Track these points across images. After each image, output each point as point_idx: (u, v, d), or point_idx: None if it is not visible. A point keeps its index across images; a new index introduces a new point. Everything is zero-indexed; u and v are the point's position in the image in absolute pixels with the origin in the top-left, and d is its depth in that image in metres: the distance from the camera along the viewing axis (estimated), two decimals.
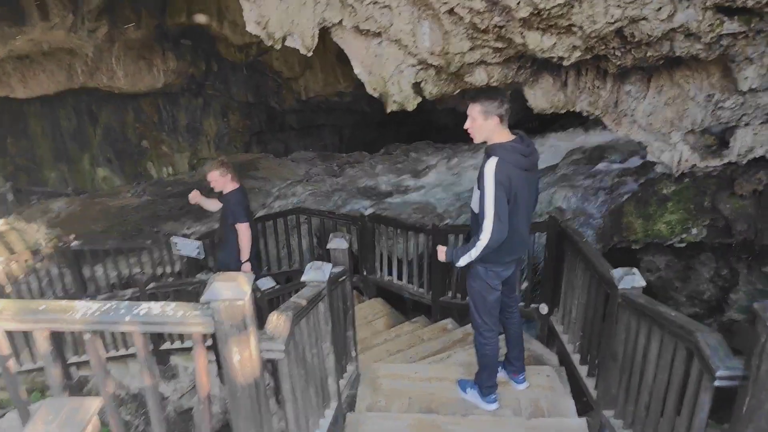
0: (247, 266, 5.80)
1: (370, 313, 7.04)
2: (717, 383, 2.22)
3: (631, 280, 3.33)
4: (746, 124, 5.68)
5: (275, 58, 15.30)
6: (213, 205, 6.33)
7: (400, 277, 6.94)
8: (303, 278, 3.41)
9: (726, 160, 6.13)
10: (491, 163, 3.41)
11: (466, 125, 3.52)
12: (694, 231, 7.02)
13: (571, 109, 5.93)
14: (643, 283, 3.33)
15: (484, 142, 3.59)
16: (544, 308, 5.17)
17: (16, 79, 13.67)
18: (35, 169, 17.09)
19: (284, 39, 5.07)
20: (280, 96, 17.47)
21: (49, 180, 17.12)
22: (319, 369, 3.43)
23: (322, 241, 8.31)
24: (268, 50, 15.19)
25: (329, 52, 14.22)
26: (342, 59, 13.37)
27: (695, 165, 6.27)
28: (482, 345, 4.00)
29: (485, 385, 4.15)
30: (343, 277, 4.11)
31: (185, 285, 6.64)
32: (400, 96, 5.46)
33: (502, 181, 3.38)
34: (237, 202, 5.76)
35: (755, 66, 4.81)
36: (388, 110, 5.61)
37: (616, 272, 3.41)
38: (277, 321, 2.55)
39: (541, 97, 5.70)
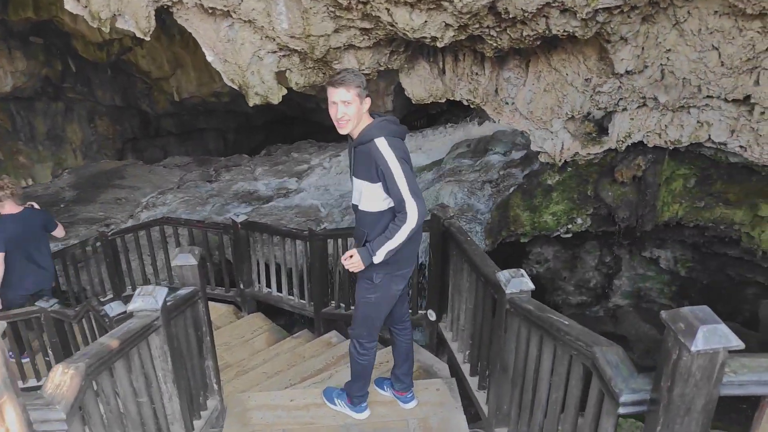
0: None
1: (248, 330, 6.37)
2: (621, 410, 1.82)
3: (518, 283, 2.93)
4: (624, 109, 5.56)
5: (141, 56, 14.14)
6: None
7: (279, 289, 6.33)
8: (128, 307, 2.74)
9: (606, 147, 6.01)
10: (381, 144, 2.93)
11: (340, 114, 2.95)
12: (579, 221, 6.91)
13: (451, 98, 5.57)
14: (532, 286, 2.94)
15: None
16: (432, 315, 4.74)
17: None
18: None
19: (114, 20, 4.31)
20: (152, 98, 16.22)
21: None
22: (155, 419, 2.77)
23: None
24: (131, 48, 14.01)
25: (200, 49, 13.27)
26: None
27: (577, 153, 6.12)
28: (360, 356, 3.54)
29: (356, 394, 3.72)
30: (194, 299, 3.45)
31: (26, 314, 5.66)
32: (263, 88, 4.84)
33: (404, 157, 2.97)
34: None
35: (630, 47, 4.63)
36: (251, 103, 4.99)
37: (503, 275, 3.00)
38: (60, 378, 1.88)
39: (418, 85, 5.29)
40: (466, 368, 4.03)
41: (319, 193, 8.88)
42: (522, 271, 3.00)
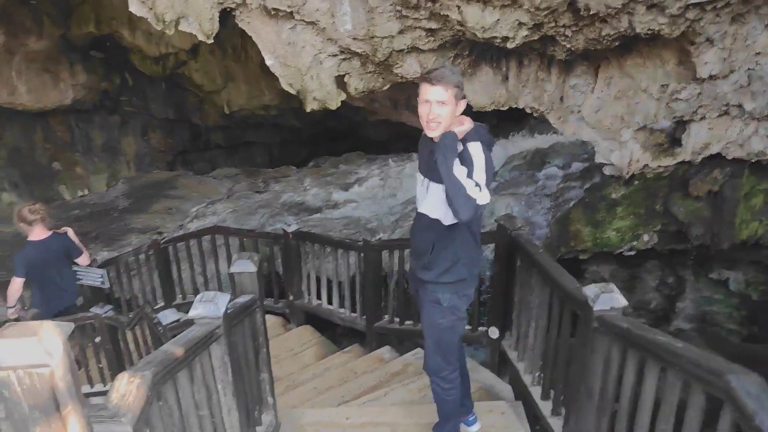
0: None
1: (297, 343, 6.18)
2: None
3: (609, 299, 2.65)
4: (702, 118, 5.21)
5: (195, 69, 14.29)
6: None
7: (330, 301, 6.13)
8: (189, 315, 2.57)
9: (679, 159, 5.66)
10: (476, 146, 2.67)
11: (432, 114, 2.61)
12: (645, 237, 6.53)
13: (514, 105, 5.32)
14: (624, 302, 2.66)
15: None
16: (494, 332, 4.46)
17: None
18: None
19: (177, 23, 4.23)
20: (203, 112, 16.39)
21: None
22: None
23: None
24: (186, 61, 14.20)
25: (252, 62, 13.35)
26: (267, 69, 12.53)
27: (647, 165, 5.78)
28: (446, 391, 3.18)
29: None
30: (253, 308, 3.28)
31: (81, 319, 5.61)
32: (321, 92, 4.69)
33: (488, 162, 2.70)
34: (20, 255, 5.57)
35: (716, 49, 4.31)
36: (308, 109, 4.84)
37: (590, 290, 2.72)
38: (126, 388, 1.71)
39: (480, 91, 5.06)
40: (536, 391, 3.74)
41: (367, 205, 8.70)
42: (612, 285, 2.72)
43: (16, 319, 6.36)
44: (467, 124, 2.78)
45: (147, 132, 17.22)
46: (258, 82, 14.20)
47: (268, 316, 6.79)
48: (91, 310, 5.34)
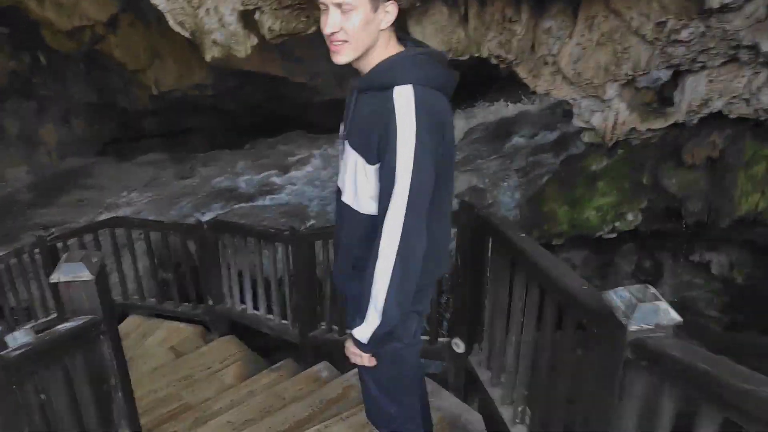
0: None
1: (217, 358, 5.00)
2: None
3: (652, 312, 1.59)
4: (702, 67, 4.24)
5: (115, 45, 12.75)
6: None
7: (256, 307, 4.99)
8: None
9: (672, 120, 4.69)
10: (402, 99, 1.63)
11: (330, 26, 1.63)
12: (630, 217, 5.58)
13: (476, 54, 4.25)
14: (678, 318, 1.61)
15: (353, 71, 1.81)
16: (458, 345, 3.39)
17: None
18: None
19: None
20: (131, 94, 14.84)
21: None
22: None
23: (164, 263, 6.17)
24: (104, 36, 12.67)
25: (179, 34, 11.96)
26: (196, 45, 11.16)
27: (634, 129, 4.80)
28: None
29: None
30: (90, 337, 2.11)
31: None
32: (223, 33, 3.52)
33: (431, 131, 1.65)
34: None
35: None
36: (208, 57, 3.68)
37: (618, 296, 1.65)
38: None
39: (433, 35, 3.97)
40: (519, 431, 2.69)
41: (308, 190, 7.56)
42: (653, 289, 1.66)
43: None
44: (395, 48, 1.72)
45: (69, 119, 15.59)
46: (188, 59, 12.79)
47: (184, 326, 5.61)
48: None
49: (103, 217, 7.89)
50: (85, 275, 2.08)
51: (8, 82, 13.96)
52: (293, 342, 4.67)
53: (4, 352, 1.61)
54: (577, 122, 5.01)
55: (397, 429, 2.14)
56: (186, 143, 16.70)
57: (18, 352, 1.63)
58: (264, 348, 5.34)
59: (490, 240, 3.00)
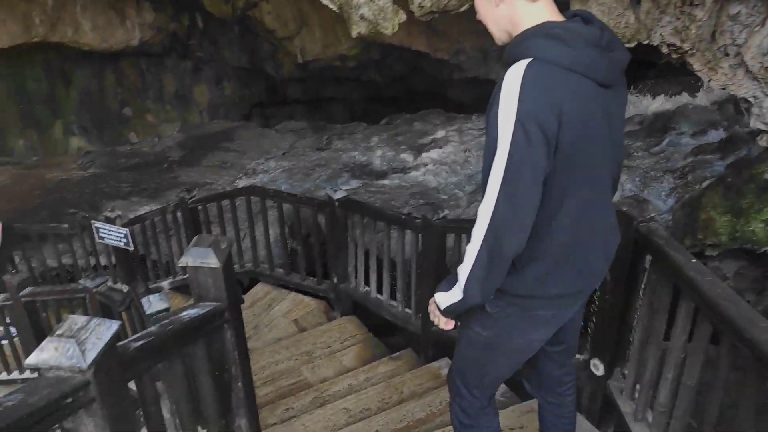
0: None
1: (338, 338, 4.98)
2: None
3: None
4: None
5: (266, 12, 13.16)
6: None
7: (380, 291, 4.88)
8: (28, 361, 1.35)
9: None
10: (514, 71, 1.47)
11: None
12: None
13: (645, 41, 3.77)
14: None
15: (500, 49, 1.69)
16: (598, 367, 3.05)
17: None
18: (0, 137, 15.24)
19: None
20: (276, 61, 15.30)
21: (16, 148, 15.26)
22: None
23: (294, 234, 6.26)
24: (257, 2, 13.08)
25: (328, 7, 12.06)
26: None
27: None
28: (463, 427, 2.11)
29: None
30: (214, 326, 2.04)
31: (68, 293, 4.63)
32: (371, 8, 3.34)
33: (539, 115, 1.45)
34: None
35: None
36: (353, 33, 3.52)
37: None
38: None
39: (598, 15, 3.53)
40: None
41: (441, 172, 7.31)
42: None
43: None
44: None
45: (221, 81, 16.40)
46: (333, 29, 12.92)
47: (308, 300, 5.65)
48: (80, 281, 4.35)
49: (242, 181, 8.18)
50: (213, 262, 2.00)
51: (169, 42, 14.86)
52: (414, 332, 4.53)
53: (125, 342, 1.54)
54: (755, 123, 4.34)
55: (458, 401, 2.08)
56: (326, 111, 17.00)
57: (138, 344, 1.55)
58: (381, 329, 5.24)
59: (649, 258, 2.62)
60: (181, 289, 6.34)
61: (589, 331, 3.16)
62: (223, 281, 2.04)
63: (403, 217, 4.38)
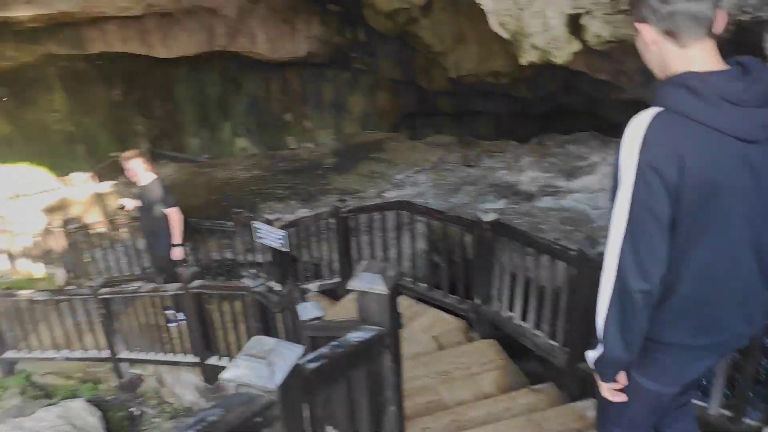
0: (178, 251, 6.04)
1: (477, 360, 4.93)
2: None
3: None
4: None
5: (425, 27, 13.41)
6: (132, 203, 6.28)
7: (524, 318, 4.78)
8: (223, 375, 1.49)
9: None
10: (638, 119, 1.53)
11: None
12: None
13: None
14: None
15: None
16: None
17: (157, 38, 13.15)
18: (178, 135, 16.90)
19: None
20: (430, 75, 15.56)
21: (190, 146, 16.84)
22: None
23: (439, 250, 6.33)
24: (417, 19, 13.37)
25: (487, 21, 12.05)
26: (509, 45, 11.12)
27: None
28: None
29: None
30: (375, 350, 2.12)
31: (231, 289, 5.02)
32: (544, 37, 3.29)
33: (658, 168, 1.48)
34: (163, 189, 5.97)
35: None
36: (523, 60, 3.51)
37: None
38: None
39: None
40: None
41: (596, 199, 7.02)
42: None
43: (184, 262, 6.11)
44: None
45: (375, 91, 16.99)
46: (490, 45, 12.87)
47: (449, 317, 5.67)
48: (243, 280, 4.69)
49: (390, 192, 8.39)
50: (381, 289, 2.08)
51: (331, 54, 15.62)
52: (558, 366, 4.39)
53: (301, 363, 1.63)
54: None
55: None
56: (472, 124, 16.99)
57: (313, 365, 1.65)
58: (522, 362, 5.13)
59: None
60: (327, 293, 6.64)
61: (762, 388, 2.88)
62: (387, 308, 2.11)
63: (557, 247, 4.26)
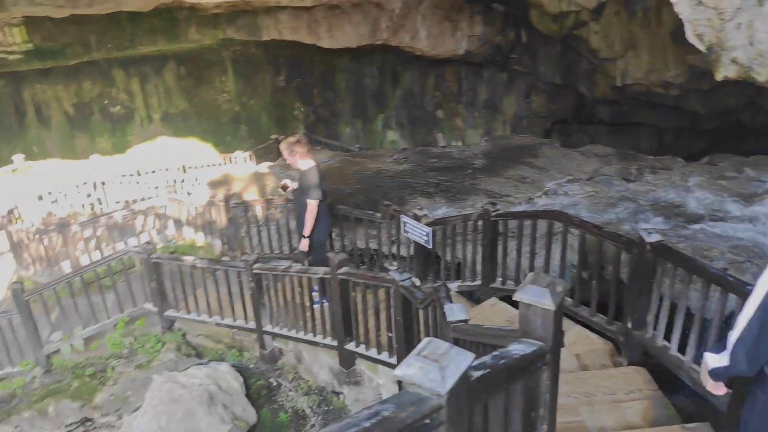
0: (304, 242, 6.12)
1: (623, 386, 4.66)
2: None
3: None
4: None
5: (594, 32, 12.85)
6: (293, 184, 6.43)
7: (682, 350, 4.43)
8: (396, 372, 1.51)
9: None
10: None
11: None
12: None
13: None
14: None
15: None
16: None
17: (324, 28, 13.77)
18: (333, 122, 17.59)
19: None
20: (592, 81, 14.88)
21: (343, 135, 17.47)
22: None
23: (590, 265, 6.06)
24: (586, 22, 12.83)
25: (663, 28, 11.30)
26: (678, 39, 10.36)
27: None
28: None
29: None
30: (535, 367, 2.06)
31: (377, 280, 5.14)
32: (747, 53, 2.99)
33: None
34: (319, 177, 6.02)
35: None
36: (719, 76, 3.20)
37: None
38: None
39: None
40: None
41: None
42: None
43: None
44: None
45: (530, 95, 16.59)
46: (663, 54, 12.06)
47: (594, 336, 5.42)
48: (390, 273, 4.77)
49: (541, 200, 8.15)
50: (548, 304, 2.01)
51: (490, 54, 15.46)
52: (716, 407, 4.02)
53: (467, 370, 1.62)
54: None
55: None
56: (631, 136, 16.03)
57: (477, 374, 1.63)
58: (673, 396, 4.76)
59: None
60: (465, 294, 6.60)
61: None
62: (552, 324, 2.04)
63: (731, 279, 3.90)
